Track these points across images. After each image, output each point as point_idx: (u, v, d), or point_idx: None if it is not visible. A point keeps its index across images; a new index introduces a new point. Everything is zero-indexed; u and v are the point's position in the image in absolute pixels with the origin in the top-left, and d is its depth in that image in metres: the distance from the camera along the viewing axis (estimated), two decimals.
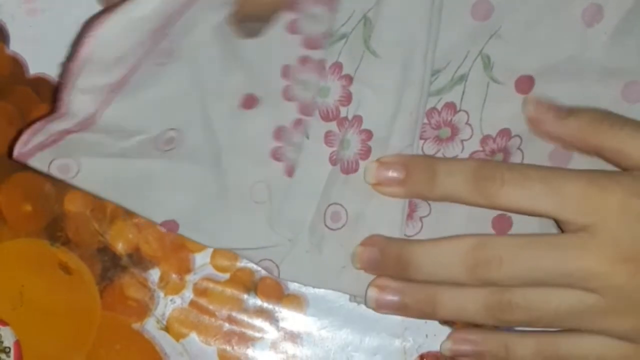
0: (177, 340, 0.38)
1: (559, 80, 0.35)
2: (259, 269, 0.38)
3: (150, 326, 0.38)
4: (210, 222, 0.36)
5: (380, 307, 0.36)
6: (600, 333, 0.33)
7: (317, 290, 0.38)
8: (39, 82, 0.38)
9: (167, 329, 0.38)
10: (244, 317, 0.38)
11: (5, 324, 0.38)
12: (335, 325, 0.38)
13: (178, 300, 0.38)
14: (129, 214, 0.37)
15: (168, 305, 0.38)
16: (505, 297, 0.33)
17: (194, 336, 0.38)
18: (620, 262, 0.32)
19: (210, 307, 0.38)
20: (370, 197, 0.35)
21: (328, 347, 0.38)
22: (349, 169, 0.35)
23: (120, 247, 0.38)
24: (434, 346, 0.37)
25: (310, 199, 0.36)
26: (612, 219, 0.32)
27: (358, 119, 0.35)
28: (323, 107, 0.35)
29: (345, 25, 0.34)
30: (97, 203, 0.38)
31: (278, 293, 0.38)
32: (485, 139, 0.36)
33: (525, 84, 0.35)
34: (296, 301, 0.38)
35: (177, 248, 0.38)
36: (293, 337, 0.38)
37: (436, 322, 0.37)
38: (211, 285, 0.38)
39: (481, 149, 0.36)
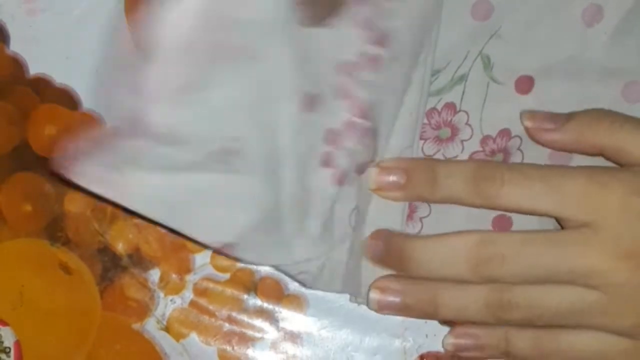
0: (177, 340, 0.38)
1: (559, 80, 0.35)
2: (259, 269, 0.38)
3: (150, 326, 0.38)
4: (263, 240, 0.32)
5: (382, 308, 0.36)
6: (601, 329, 0.33)
7: (317, 290, 0.38)
8: (39, 82, 0.38)
9: (167, 329, 0.38)
10: (244, 317, 0.38)
11: (5, 324, 0.38)
12: (335, 325, 0.38)
13: (178, 301, 0.38)
14: (129, 214, 0.37)
15: (168, 305, 0.38)
16: (505, 296, 0.33)
17: (194, 336, 0.38)
18: (621, 258, 0.32)
19: (210, 307, 0.38)
20: (370, 198, 0.35)
21: (328, 347, 0.38)
22: (357, 170, 0.35)
23: (120, 247, 0.38)
24: (434, 346, 0.37)
25: (352, 206, 0.34)
26: (613, 216, 0.32)
27: None
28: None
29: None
30: (97, 203, 0.38)
31: (278, 293, 0.38)
32: (485, 139, 0.36)
33: (525, 84, 0.35)
34: (296, 301, 0.38)
35: (177, 248, 0.38)
36: (293, 337, 0.38)
37: (436, 322, 0.37)
38: (211, 285, 0.38)
39: (481, 149, 0.36)
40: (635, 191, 0.32)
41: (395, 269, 0.35)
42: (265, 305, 0.38)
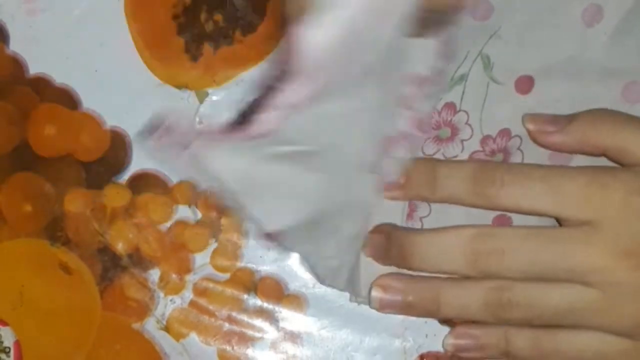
0: (177, 340, 0.38)
1: (559, 80, 0.35)
2: (259, 269, 0.38)
3: (150, 326, 0.38)
4: (307, 233, 0.34)
5: (384, 307, 0.36)
6: (600, 329, 0.33)
7: (317, 290, 0.38)
8: (39, 82, 0.38)
9: (167, 329, 0.38)
10: (244, 317, 0.38)
11: (5, 324, 0.38)
12: (335, 325, 0.38)
13: (178, 300, 0.38)
14: (129, 213, 0.38)
15: (168, 305, 0.38)
16: (505, 295, 0.33)
17: (194, 336, 0.38)
18: (621, 257, 0.32)
19: (210, 307, 0.38)
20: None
21: (328, 347, 0.38)
22: None
23: (120, 247, 0.38)
24: (434, 346, 0.37)
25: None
26: (614, 215, 0.32)
27: None
28: None
29: None
30: (97, 203, 0.38)
31: (278, 293, 0.38)
32: (485, 139, 0.36)
33: (525, 84, 0.35)
34: (296, 301, 0.38)
35: (177, 248, 0.38)
36: (293, 337, 0.38)
37: (436, 322, 0.37)
38: (211, 285, 0.38)
39: (481, 149, 0.36)
40: (636, 190, 0.32)
41: (396, 264, 0.35)
42: (265, 305, 0.38)
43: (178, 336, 0.38)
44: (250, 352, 0.38)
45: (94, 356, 0.38)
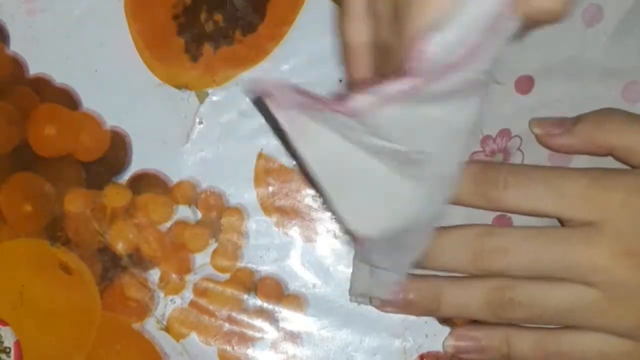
0: (177, 340, 0.38)
1: (559, 80, 0.35)
2: (259, 269, 0.38)
3: (150, 326, 0.38)
4: (388, 243, 0.33)
5: (385, 305, 0.36)
6: (602, 330, 0.33)
7: (317, 290, 0.38)
8: (39, 82, 0.38)
9: (167, 329, 0.38)
10: (244, 317, 0.38)
11: (5, 324, 0.38)
12: (335, 325, 0.38)
13: (178, 300, 0.38)
14: (129, 213, 0.38)
15: (168, 305, 0.38)
16: (507, 294, 0.33)
17: (194, 336, 0.38)
18: (622, 256, 0.32)
19: (210, 307, 0.38)
20: None
21: (328, 347, 0.38)
22: None
23: (120, 247, 0.38)
24: (434, 346, 0.37)
25: None
26: (615, 215, 0.32)
27: None
28: None
29: None
30: (97, 203, 0.38)
31: (278, 293, 0.38)
32: (485, 140, 0.36)
33: (525, 84, 0.35)
34: (296, 301, 0.38)
35: (177, 248, 0.38)
36: (293, 337, 0.38)
37: (436, 322, 0.37)
38: (211, 285, 0.38)
39: (481, 149, 0.36)
40: (637, 191, 0.32)
41: None
42: (265, 305, 0.38)
43: (178, 336, 0.38)
44: (250, 352, 0.38)
45: (94, 356, 0.38)
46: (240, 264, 0.38)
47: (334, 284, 0.38)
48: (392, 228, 0.31)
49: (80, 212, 0.38)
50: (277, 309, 0.38)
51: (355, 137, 0.28)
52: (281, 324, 0.38)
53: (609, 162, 0.34)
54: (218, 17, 0.38)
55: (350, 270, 0.37)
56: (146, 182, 0.38)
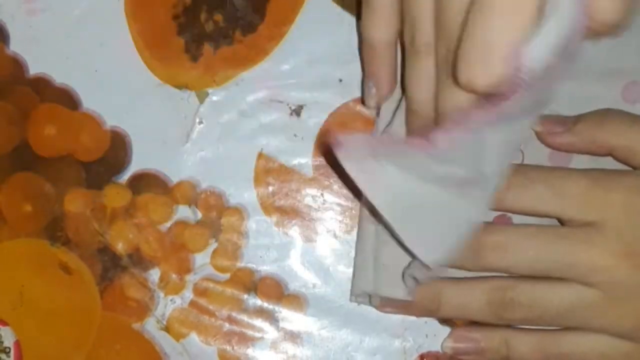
0: (177, 340, 0.38)
1: None
2: (259, 269, 0.38)
3: (150, 326, 0.38)
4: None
5: (385, 305, 0.36)
6: (602, 331, 0.33)
7: (317, 290, 0.38)
8: (39, 82, 0.38)
9: (167, 329, 0.38)
10: (244, 317, 0.38)
11: (5, 324, 0.38)
12: (335, 325, 0.38)
13: (178, 300, 0.38)
14: (129, 213, 0.38)
15: (168, 305, 0.38)
16: (507, 294, 0.33)
17: (194, 336, 0.38)
18: (622, 256, 0.32)
19: (210, 307, 0.38)
20: None
21: (328, 347, 0.38)
22: None
23: (120, 247, 0.38)
24: (434, 346, 0.37)
25: None
26: (616, 215, 0.32)
27: None
28: None
29: None
30: (97, 203, 0.38)
31: (278, 293, 0.38)
32: None
33: None
34: (296, 301, 0.38)
35: (177, 248, 0.38)
36: (293, 337, 0.38)
37: (436, 322, 0.37)
38: (211, 285, 0.38)
39: None
40: (637, 191, 0.32)
41: None
42: (265, 305, 0.38)
43: (178, 336, 0.38)
44: (250, 352, 0.38)
45: (94, 356, 0.38)
46: (240, 264, 0.38)
47: (334, 284, 0.38)
48: (451, 249, 0.31)
49: (80, 212, 0.38)
50: (277, 309, 0.38)
51: (424, 169, 0.28)
52: (281, 324, 0.38)
53: (609, 162, 0.34)
54: (218, 17, 0.38)
55: (351, 270, 0.37)
56: (146, 182, 0.38)
